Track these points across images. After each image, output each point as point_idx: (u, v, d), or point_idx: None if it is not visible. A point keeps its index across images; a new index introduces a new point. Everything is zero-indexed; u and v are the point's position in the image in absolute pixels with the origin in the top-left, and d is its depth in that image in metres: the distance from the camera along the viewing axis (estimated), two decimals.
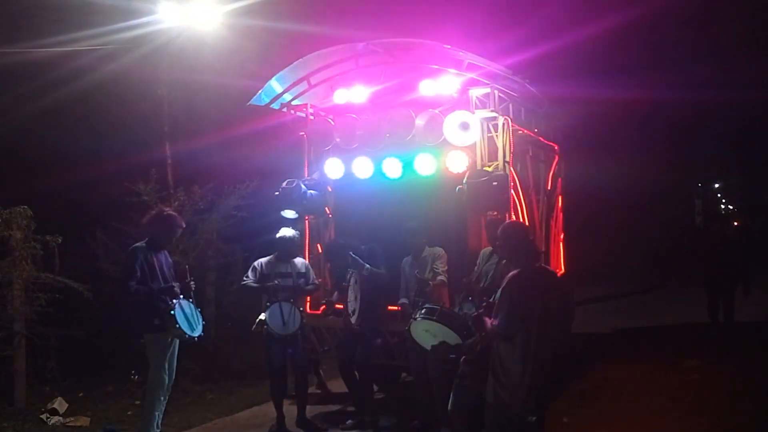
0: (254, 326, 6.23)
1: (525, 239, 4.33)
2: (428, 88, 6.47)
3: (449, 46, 6.25)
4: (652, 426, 6.07)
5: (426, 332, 5.13)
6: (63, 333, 7.38)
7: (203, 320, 5.92)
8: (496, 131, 6.41)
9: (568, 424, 6.00)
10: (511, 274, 4.07)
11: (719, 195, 44.29)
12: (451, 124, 6.22)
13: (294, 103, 7.38)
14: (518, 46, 9.02)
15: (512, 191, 6.42)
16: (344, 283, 6.28)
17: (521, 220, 6.55)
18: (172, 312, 5.49)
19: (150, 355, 5.62)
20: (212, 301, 9.39)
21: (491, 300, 4.18)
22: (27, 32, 8.71)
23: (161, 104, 9.15)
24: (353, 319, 6.08)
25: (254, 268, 6.36)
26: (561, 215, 8.56)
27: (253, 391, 7.73)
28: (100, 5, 8.71)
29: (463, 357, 4.64)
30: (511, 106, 6.67)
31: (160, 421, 5.77)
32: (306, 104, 7.35)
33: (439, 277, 5.98)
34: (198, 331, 5.73)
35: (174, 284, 5.67)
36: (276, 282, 6.19)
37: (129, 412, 6.93)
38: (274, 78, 6.99)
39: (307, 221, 7.36)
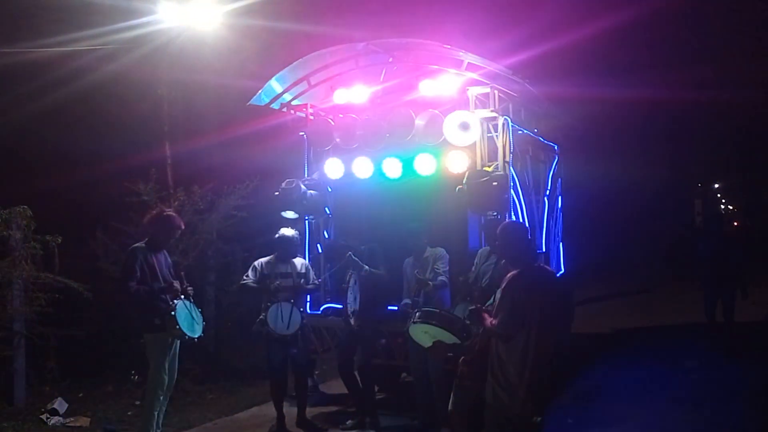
0: (254, 326, 6.23)
1: (524, 239, 4.33)
2: (428, 88, 6.47)
3: (449, 46, 6.25)
4: (652, 426, 6.08)
5: (425, 334, 5.13)
6: (63, 333, 7.37)
7: (203, 320, 5.92)
8: (496, 131, 6.41)
9: (570, 425, 6.00)
10: (510, 274, 4.07)
11: (719, 195, 44.30)
12: (451, 124, 6.22)
13: (294, 103, 7.38)
14: (518, 46, 9.02)
15: (512, 191, 6.43)
16: (343, 284, 6.27)
17: (521, 220, 6.55)
18: (173, 313, 5.48)
19: (150, 356, 5.62)
20: (212, 301, 9.38)
21: (489, 304, 4.18)
22: (27, 32, 8.70)
23: (161, 104, 9.14)
24: (352, 320, 6.08)
25: (254, 268, 6.36)
26: (561, 215, 8.57)
27: (253, 391, 7.73)
28: (100, 5, 8.70)
29: (462, 357, 4.64)
30: (511, 106, 6.67)
31: (160, 422, 5.77)
32: (306, 104, 7.35)
33: (440, 278, 5.98)
34: (198, 332, 5.73)
35: (174, 282, 5.66)
36: (276, 282, 6.19)
37: (129, 413, 6.92)
38: (274, 78, 6.99)
39: (306, 222, 7.35)
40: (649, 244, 23.36)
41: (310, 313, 6.79)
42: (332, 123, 7.00)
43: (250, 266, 6.45)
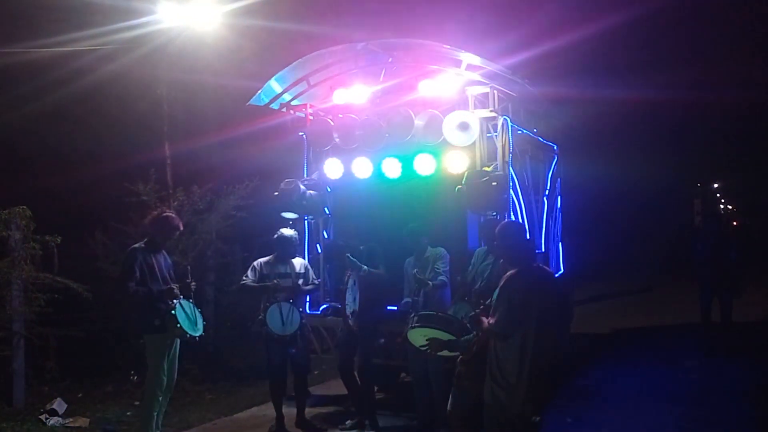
0: (253, 326, 6.22)
1: (523, 239, 4.33)
2: (428, 88, 6.47)
3: (449, 46, 6.25)
4: (652, 425, 6.08)
5: (424, 338, 5.12)
6: (62, 333, 7.36)
7: (203, 320, 5.91)
8: (495, 131, 6.41)
9: (569, 425, 6.00)
10: (508, 273, 4.06)
11: (719, 195, 44.36)
12: (450, 124, 6.22)
13: (293, 103, 7.37)
14: (518, 46, 9.02)
15: (511, 191, 6.43)
16: (341, 285, 6.27)
17: (520, 220, 6.55)
18: (173, 312, 5.48)
19: (149, 356, 5.62)
20: (212, 301, 9.39)
21: (488, 302, 4.18)
22: (27, 32, 8.71)
23: (161, 104, 9.14)
24: (351, 321, 6.08)
25: (254, 268, 6.35)
26: (560, 215, 8.57)
27: (253, 391, 7.73)
28: (100, 5, 8.71)
29: (460, 357, 4.64)
30: (510, 106, 6.67)
31: (160, 422, 5.77)
32: (305, 104, 7.35)
33: (440, 278, 5.98)
34: (199, 331, 5.72)
35: (173, 285, 5.67)
36: (275, 280, 6.19)
37: (128, 413, 6.92)
38: (273, 78, 6.99)
39: (306, 222, 7.35)
40: (649, 244, 23.38)
41: (309, 313, 6.80)
42: (332, 123, 7.00)
43: (249, 266, 6.46)
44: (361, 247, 6.26)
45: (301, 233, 6.96)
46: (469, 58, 6.18)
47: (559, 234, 8.52)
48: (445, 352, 4.69)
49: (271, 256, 6.40)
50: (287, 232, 6.42)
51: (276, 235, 6.39)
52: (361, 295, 6.07)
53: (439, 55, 6.46)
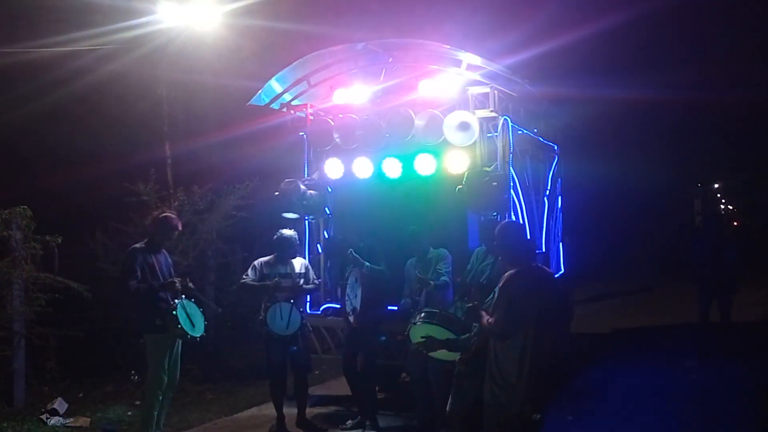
0: (256, 325, 6.22)
1: (522, 239, 4.33)
2: (428, 88, 6.47)
3: (449, 46, 6.25)
4: (651, 425, 6.08)
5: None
6: (62, 333, 7.37)
7: (204, 320, 5.92)
8: (495, 131, 6.41)
9: (569, 423, 6.01)
10: (508, 273, 4.06)
11: (719, 195, 44.35)
12: (450, 124, 6.22)
13: (294, 103, 7.37)
14: (518, 46, 9.01)
15: (512, 191, 6.43)
16: (341, 282, 6.27)
17: (521, 220, 6.55)
18: (174, 312, 5.49)
19: (149, 356, 5.62)
20: (212, 301, 9.38)
21: (488, 300, 4.18)
22: (27, 32, 8.71)
23: (161, 104, 9.15)
24: (352, 318, 6.08)
25: (254, 267, 6.35)
26: (561, 215, 8.57)
27: (253, 391, 7.73)
28: (100, 5, 8.72)
29: (459, 357, 4.64)
30: (510, 106, 6.67)
31: (161, 422, 5.77)
32: (306, 104, 7.35)
33: (443, 278, 5.98)
34: (200, 331, 5.73)
35: (175, 279, 5.66)
36: (275, 279, 6.18)
37: (129, 413, 6.92)
38: (273, 78, 6.99)
39: (306, 221, 7.36)
40: (649, 244, 23.38)
41: (309, 313, 6.80)
42: (332, 123, 7.00)
43: (249, 266, 6.46)
44: (360, 244, 6.26)
45: (301, 233, 6.97)
46: (469, 58, 6.19)
47: (559, 234, 8.52)
48: (443, 353, 4.68)
49: (271, 257, 6.40)
50: (287, 232, 6.42)
51: (276, 236, 6.39)
52: (364, 293, 6.06)
53: (439, 55, 6.46)
